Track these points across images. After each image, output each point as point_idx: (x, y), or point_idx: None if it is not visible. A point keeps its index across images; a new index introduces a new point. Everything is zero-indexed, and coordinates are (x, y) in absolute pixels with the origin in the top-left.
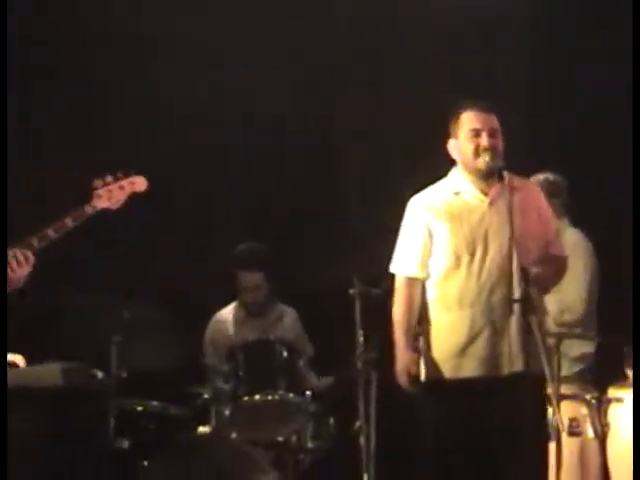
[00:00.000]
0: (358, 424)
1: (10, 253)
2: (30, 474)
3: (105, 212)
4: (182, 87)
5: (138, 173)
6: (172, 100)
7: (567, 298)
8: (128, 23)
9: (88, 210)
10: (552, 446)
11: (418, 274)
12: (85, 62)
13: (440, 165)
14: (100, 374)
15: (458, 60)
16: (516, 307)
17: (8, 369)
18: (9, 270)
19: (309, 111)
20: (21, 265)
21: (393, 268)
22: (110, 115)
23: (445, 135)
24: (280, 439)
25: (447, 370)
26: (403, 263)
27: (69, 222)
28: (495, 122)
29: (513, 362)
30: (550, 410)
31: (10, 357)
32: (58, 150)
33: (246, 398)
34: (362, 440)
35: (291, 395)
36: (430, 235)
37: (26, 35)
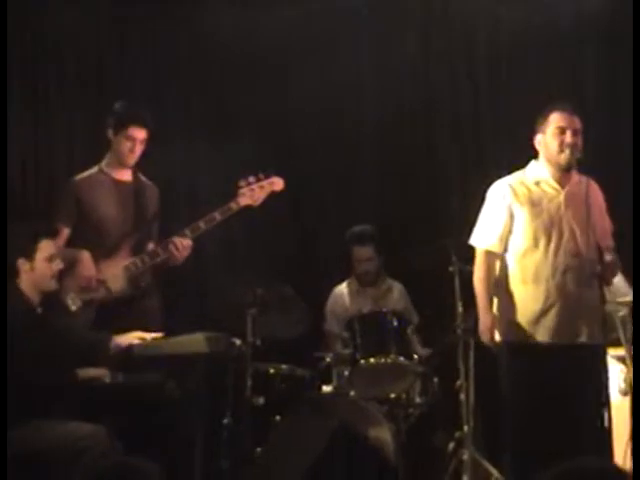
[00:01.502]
0: (459, 383)
1: (170, 240)
2: (193, 424)
3: (247, 208)
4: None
5: (275, 173)
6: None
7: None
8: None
9: (233, 206)
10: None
11: (496, 248)
12: (220, 73)
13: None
14: (238, 342)
15: (551, 64)
16: (594, 281)
17: (158, 340)
18: (174, 250)
19: (413, 107)
20: (180, 249)
21: (473, 241)
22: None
23: (532, 130)
24: (392, 396)
25: (521, 335)
26: (483, 237)
27: (217, 216)
28: (578, 123)
29: (582, 332)
30: (618, 371)
31: (141, 334)
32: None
33: (363, 361)
34: (462, 396)
35: (401, 358)
36: (511, 216)
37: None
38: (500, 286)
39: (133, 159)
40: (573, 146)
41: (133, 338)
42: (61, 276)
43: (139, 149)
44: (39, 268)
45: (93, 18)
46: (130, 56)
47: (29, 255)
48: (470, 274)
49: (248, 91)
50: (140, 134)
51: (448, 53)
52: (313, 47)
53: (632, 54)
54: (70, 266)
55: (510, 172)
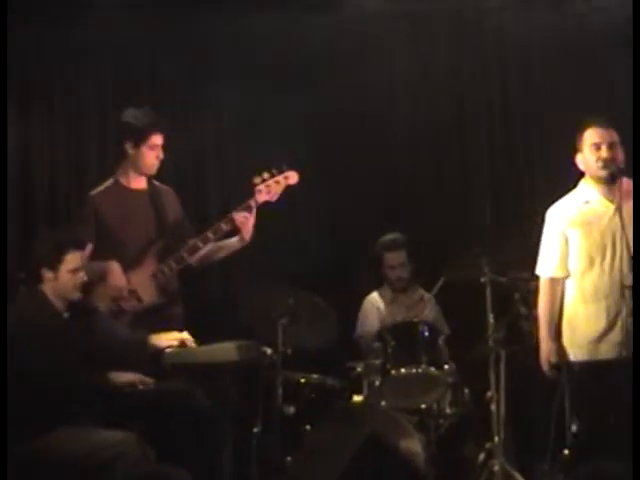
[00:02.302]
0: (490, 394)
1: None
2: (223, 432)
3: (266, 205)
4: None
5: (290, 168)
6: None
7: None
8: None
9: (252, 204)
10: None
11: (558, 274)
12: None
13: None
14: (269, 351)
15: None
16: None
17: (185, 348)
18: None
19: (445, 118)
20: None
21: (538, 271)
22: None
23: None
24: (423, 406)
25: (587, 354)
26: (546, 266)
27: (236, 216)
28: (614, 135)
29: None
30: None
31: (180, 335)
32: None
33: (394, 371)
34: (493, 407)
35: (432, 369)
36: (566, 241)
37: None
38: (563, 309)
39: (151, 168)
40: (610, 160)
41: (171, 338)
42: (92, 288)
43: (161, 155)
44: (63, 279)
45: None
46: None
47: (53, 266)
48: (501, 285)
49: (280, 91)
50: (160, 140)
51: (481, 65)
52: (345, 50)
53: (632, 54)
54: (100, 278)
55: (545, 189)
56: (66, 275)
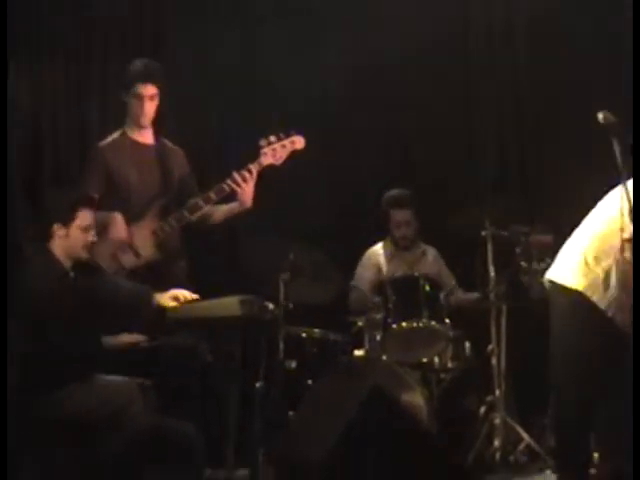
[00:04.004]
0: (490, 347)
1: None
2: (226, 387)
3: (271, 168)
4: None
5: (298, 132)
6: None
7: None
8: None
9: (255, 167)
10: None
11: None
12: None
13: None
14: (271, 306)
15: None
16: None
17: (192, 304)
18: (236, 187)
19: (451, 76)
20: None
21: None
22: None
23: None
24: (424, 360)
25: None
26: None
27: (238, 177)
28: None
29: None
30: None
31: (183, 293)
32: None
33: (395, 326)
34: (494, 361)
35: (433, 323)
36: None
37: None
38: None
39: (146, 119)
40: None
41: (170, 296)
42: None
43: (150, 107)
44: (74, 236)
45: None
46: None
47: (66, 222)
48: (503, 239)
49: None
50: (148, 91)
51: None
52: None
53: (632, 54)
54: (103, 229)
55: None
56: (77, 232)
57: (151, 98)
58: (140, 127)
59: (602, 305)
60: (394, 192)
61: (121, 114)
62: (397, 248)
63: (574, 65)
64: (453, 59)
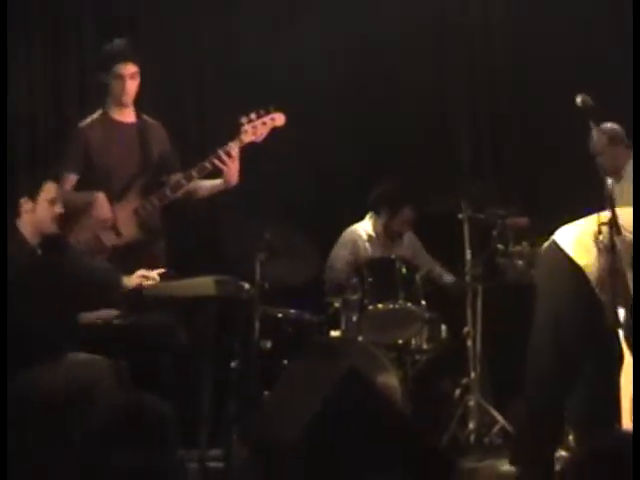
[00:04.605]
0: (466, 329)
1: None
2: (201, 366)
3: (251, 145)
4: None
5: (277, 109)
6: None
7: None
8: None
9: (236, 144)
10: None
11: None
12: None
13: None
14: (247, 285)
15: None
16: None
17: (166, 282)
18: (220, 164)
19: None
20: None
21: None
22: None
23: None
24: (400, 342)
25: None
26: None
27: (222, 154)
28: None
29: None
30: None
31: (150, 273)
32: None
33: (371, 307)
34: (469, 343)
35: (409, 304)
36: None
37: None
38: None
39: (128, 97)
40: None
41: (138, 277)
42: (77, 219)
43: (131, 85)
44: (41, 209)
45: None
46: None
47: (32, 195)
48: (479, 221)
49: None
50: (127, 70)
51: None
52: None
53: (632, 54)
54: (85, 209)
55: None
56: (44, 205)
57: (132, 77)
58: (122, 106)
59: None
60: (403, 188)
61: (95, 95)
62: (387, 236)
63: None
64: (435, 43)
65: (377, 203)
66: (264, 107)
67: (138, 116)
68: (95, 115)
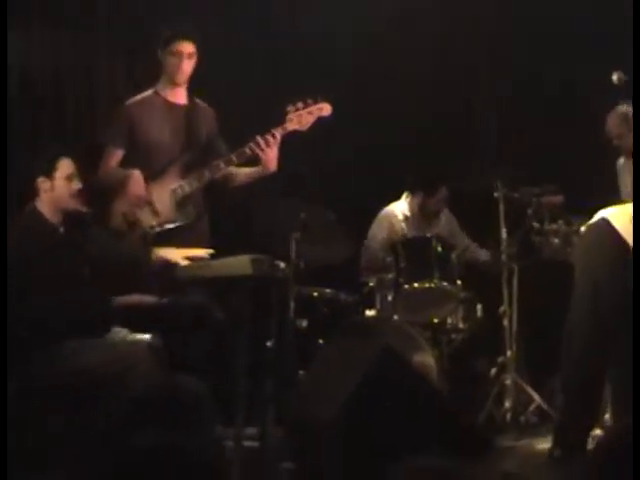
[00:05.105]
0: (502, 308)
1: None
2: (237, 346)
3: (295, 133)
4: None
5: (324, 100)
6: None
7: None
8: None
9: (279, 132)
10: None
11: None
12: None
13: None
14: (282, 265)
15: None
16: None
17: (203, 262)
18: (258, 150)
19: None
20: (265, 148)
21: None
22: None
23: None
24: (436, 321)
25: None
26: None
27: (262, 142)
28: None
29: None
30: None
31: (200, 252)
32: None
33: (406, 286)
34: (505, 322)
35: (445, 283)
36: None
37: None
38: None
39: (183, 76)
40: None
41: (178, 255)
42: (112, 196)
43: (187, 64)
44: (59, 186)
45: None
46: None
47: (49, 173)
48: (514, 200)
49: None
50: (186, 48)
51: None
52: None
53: (632, 54)
54: (121, 186)
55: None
56: (61, 182)
57: (189, 56)
58: (174, 85)
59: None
60: (442, 169)
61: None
62: (424, 215)
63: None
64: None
65: (413, 183)
66: (312, 96)
67: (189, 98)
68: (146, 93)
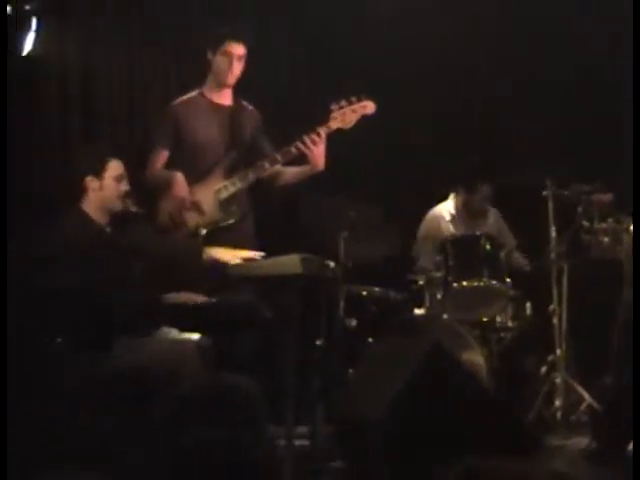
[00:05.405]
0: (552, 307)
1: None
2: (286, 345)
3: (339, 131)
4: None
5: (368, 97)
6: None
7: None
8: None
9: (324, 130)
10: None
11: None
12: None
13: None
14: (332, 264)
15: None
16: None
17: (252, 261)
18: (306, 149)
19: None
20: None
21: None
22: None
23: None
24: (485, 319)
25: None
26: None
27: (307, 140)
28: None
29: None
30: None
31: (251, 254)
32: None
33: (455, 284)
34: (555, 320)
35: (494, 282)
36: None
37: None
38: None
39: (232, 77)
40: None
41: (229, 255)
42: (158, 197)
43: (237, 66)
44: (107, 187)
45: None
46: None
47: (98, 173)
48: (563, 198)
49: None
50: (237, 50)
51: None
52: None
53: (632, 54)
54: (165, 187)
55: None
56: (110, 182)
57: (239, 58)
58: (222, 86)
59: None
60: (482, 164)
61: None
62: (469, 214)
63: None
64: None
65: (455, 182)
66: (356, 94)
67: (235, 99)
68: (192, 94)
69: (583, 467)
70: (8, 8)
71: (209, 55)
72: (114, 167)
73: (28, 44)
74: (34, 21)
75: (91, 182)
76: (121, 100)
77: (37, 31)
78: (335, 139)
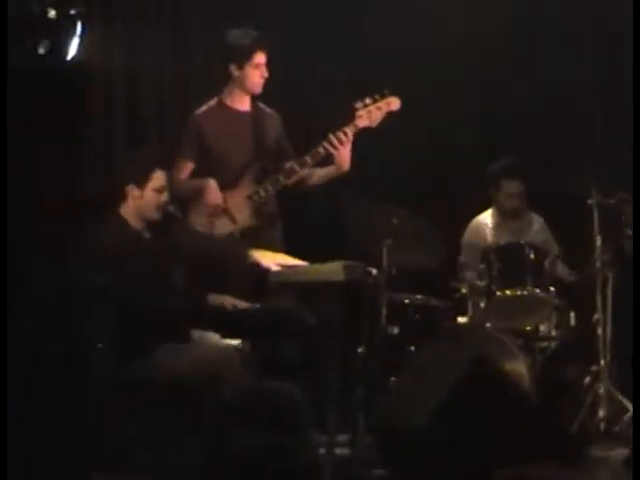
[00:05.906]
0: (596, 316)
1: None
2: (328, 351)
3: (366, 130)
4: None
5: (392, 93)
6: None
7: None
8: None
9: (351, 130)
10: None
11: None
12: None
13: None
14: (374, 271)
15: None
16: None
17: (294, 267)
18: (331, 149)
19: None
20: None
21: None
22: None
23: None
24: (528, 328)
25: None
26: None
27: (334, 140)
28: None
29: None
30: None
31: (293, 261)
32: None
33: (499, 293)
34: (599, 330)
35: (537, 291)
36: None
37: None
38: None
39: (259, 86)
40: None
41: (271, 260)
42: (189, 206)
43: (266, 73)
44: (147, 197)
45: None
46: None
47: (140, 183)
48: (609, 206)
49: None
50: (263, 59)
51: None
52: None
53: (632, 55)
54: (197, 195)
55: None
56: (151, 193)
57: (264, 66)
58: (242, 94)
59: None
60: (506, 162)
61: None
62: (504, 217)
63: None
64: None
65: (485, 183)
66: (379, 92)
67: (253, 105)
68: (211, 103)
69: (627, 478)
70: (52, 12)
71: (232, 68)
72: (157, 178)
73: (73, 48)
74: (79, 25)
75: (132, 190)
76: (166, 103)
77: (82, 35)
78: (379, 143)
